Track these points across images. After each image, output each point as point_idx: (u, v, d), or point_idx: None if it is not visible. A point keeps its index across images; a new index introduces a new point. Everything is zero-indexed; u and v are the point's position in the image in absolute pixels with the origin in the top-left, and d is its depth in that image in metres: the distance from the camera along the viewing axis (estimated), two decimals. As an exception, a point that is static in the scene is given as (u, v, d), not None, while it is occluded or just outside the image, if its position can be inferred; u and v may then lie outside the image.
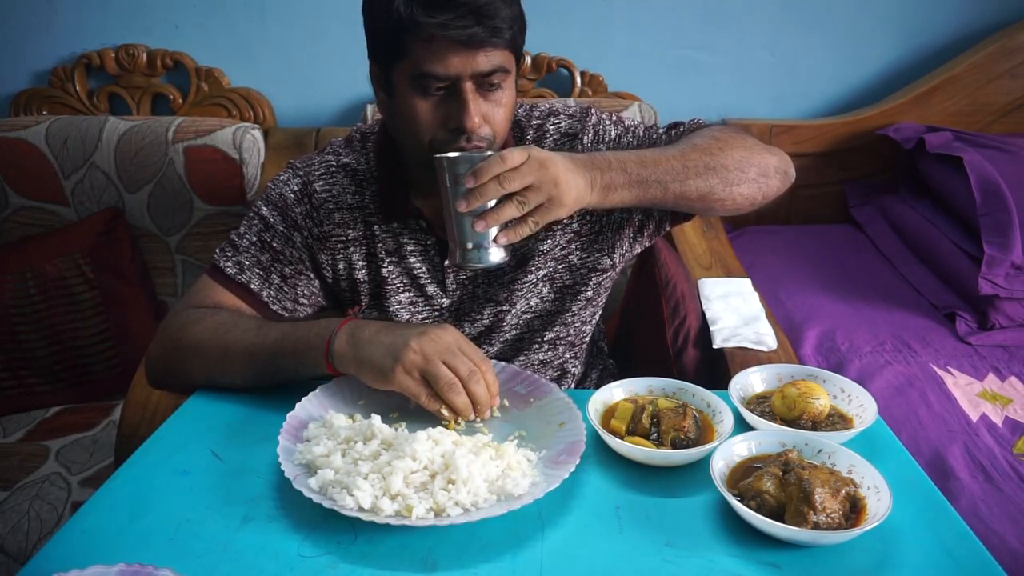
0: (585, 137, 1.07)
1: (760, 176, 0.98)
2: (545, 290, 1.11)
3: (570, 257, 1.10)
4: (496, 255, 0.89)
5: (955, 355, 1.59)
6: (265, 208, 1.07)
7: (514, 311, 1.12)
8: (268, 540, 0.72)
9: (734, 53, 2.06)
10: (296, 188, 1.07)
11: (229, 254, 1.06)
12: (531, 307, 1.12)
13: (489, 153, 0.86)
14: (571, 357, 1.19)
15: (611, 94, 2.04)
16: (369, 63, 1.01)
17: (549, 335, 1.14)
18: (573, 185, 0.85)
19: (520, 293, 1.10)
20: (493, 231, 0.87)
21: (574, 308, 1.13)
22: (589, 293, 1.13)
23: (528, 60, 2.02)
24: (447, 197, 0.88)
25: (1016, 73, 2.01)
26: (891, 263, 1.94)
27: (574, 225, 1.09)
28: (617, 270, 1.15)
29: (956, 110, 2.05)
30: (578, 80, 2.03)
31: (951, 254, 1.79)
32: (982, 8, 2.04)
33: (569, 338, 1.16)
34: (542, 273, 1.10)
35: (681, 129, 1.06)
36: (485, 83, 0.92)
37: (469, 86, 0.91)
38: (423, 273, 1.09)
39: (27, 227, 1.85)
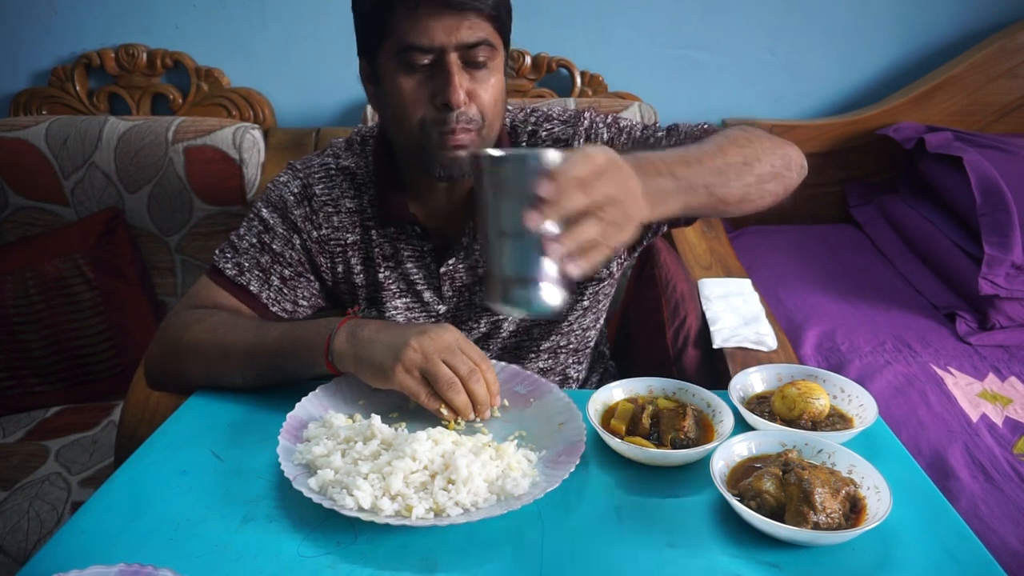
0: (576, 143, 1.05)
1: (785, 169, 0.93)
2: None
3: None
4: (557, 295, 0.70)
5: (955, 355, 1.58)
6: (265, 210, 1.07)
7: (510, 319, 1.11)
8: (268, 540, 0.71)
9: (734, 53, 2.06)
10: (296, 190, 1.07)
11: (229, 255, 1.06)
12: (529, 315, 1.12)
13: (553, 151, 0.68)
14: (574, 363, 1.18)
15: (611, 94, 2.04)
16: (359, 62, 1.01)
17: (546, 344, 1.14)
18: (641, 194, 0.72)
19: None
20: (551, 262, 0.68)
21: (571, 318, 1.13)
22: (586, 303, 1.12)
23: (528, 60, 2.02)
24: (491, 213, 0.69)
25: (1016, 73, 2.01)
26: (891, 263, 1.94)
27: None
28: (615, 279, 1.14)
29: (956, 110, 2.05)
30: (578, 80, 2.03)
31: (951, 254, 1.79)
32: (982, 8, 2.04)
33: (571, 345, 1.16)
34: None
35: (682, 133, 1.03)
36: (470, 59, 0.92)
37: (453, 58, 0.91)
38: (419, 279, 1.09)
39: (27, 227, 1.85)
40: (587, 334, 1.17)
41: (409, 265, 1.08)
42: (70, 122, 1.85)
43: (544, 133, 1.07)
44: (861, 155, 2.10)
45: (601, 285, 1.12)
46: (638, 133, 1.06)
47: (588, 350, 1.20)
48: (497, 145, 1.03)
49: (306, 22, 2.02)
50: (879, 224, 2.04)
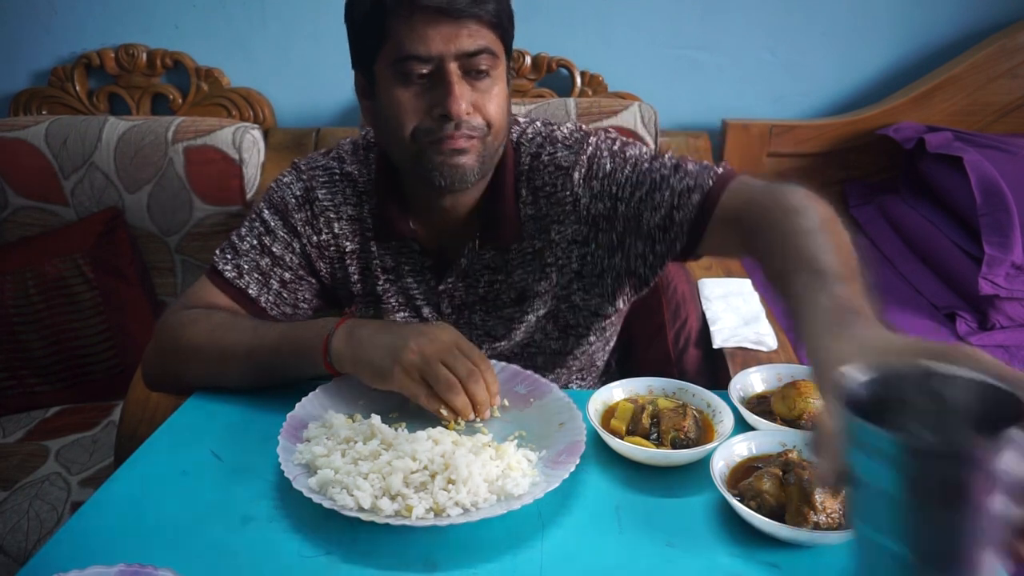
0: (576, 173, 0.98)
1: None
2: (549, 327, 1.07)
3: (572, 297, 1.04)
4: None
5: (955, 355, 1.58)
6: (267, 211, 1.05)
7: (511, 344, 1.08)
8: (268, 540, 0.71)
9: (734, 53, 2.06)
10: (298, 193, 1.04)
11: (229, 256, 1.04)
12: (535, 342, 1.08)
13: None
14: (577, 379, 1.15)
15: (611, 94, 2.04)
16: (354, 75, 0.98)
17: (551, 376, 1.10)
18: None
19: (519, 331, 1.06)
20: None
21: (576, 352, 1.09)
22: (592, 338, 1.09)
23: (528, 60, 2.02)
24: (911, 526, 0.42)
25: (1016, 73, 2.01)
26: (891, 263, 1.93)
27: (574, 265, 1.01)
28: (623, 312, 1.10)
29: (956, 110, 2.05)
30: (578, 80, 2.03)
31: (951, 254, 1.79)
32: (982, 8, 2.04)
33: (576, 366, 1.12)
34: (542, 312, 1.05)
35: (692, 175, 0.93)
36: (471, 68, 0.88)
37: (453, 67, 0.87)
38: (418, 294, 1.06)
39: (27, 227, 1.85)
40: (594, 356, 1.13)
41: (409, 280, 1.06)
42: (70, 122, 1.86)
43: (546, 157, 1.00)
44: (861, 155, 2.10)
45: (606, 321, 1.08)
46: (645, 166, 0.97)
47: (595, 368, 1.17)
48: (501, 163, 0.97)
49: (306, 22, 2.02)
50: (879, 224, 2.04)
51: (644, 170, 0.96)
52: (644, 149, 0.99)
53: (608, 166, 0.97)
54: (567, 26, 2.02)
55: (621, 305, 1.07)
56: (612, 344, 1.17)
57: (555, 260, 1.01)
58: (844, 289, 0.65)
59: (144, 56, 2.02)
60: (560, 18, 2.01)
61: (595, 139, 1.00)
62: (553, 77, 2.06)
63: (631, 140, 1.02)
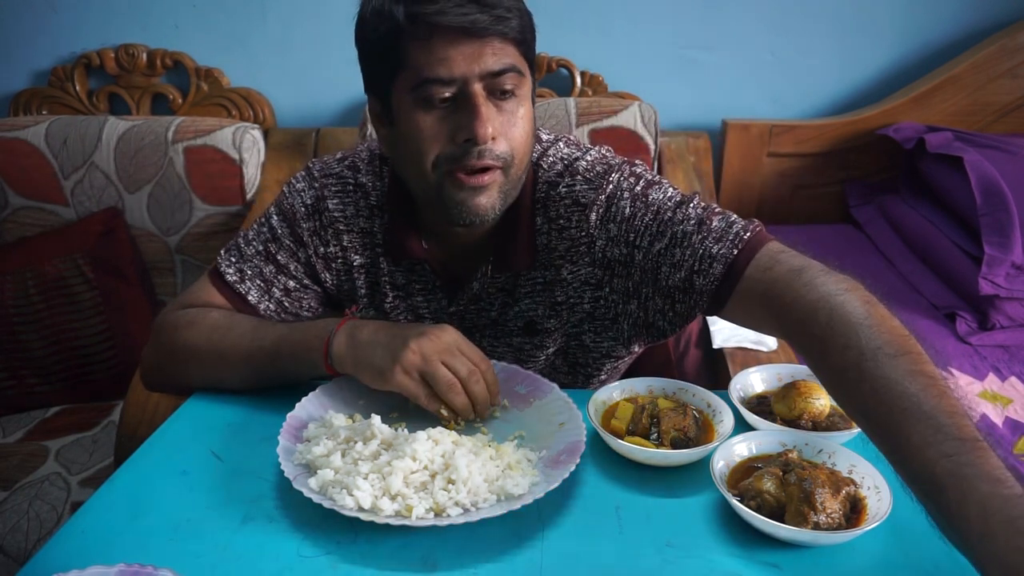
0: (593, 213, 0.92)
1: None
2: (559, 362, 1.05)
3: (583, 337, 1.01)
4: None
5: (955, 355, 1.58)
6: (276, 217, 1.02)
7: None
8: (268, 540, 0.71)
9: (734, 53, 2.06)
10: (309, 201, 1.00)
11: (233, 259, 1.02)
12: (543, 375, 1.03)
13: None
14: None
15: (611, 94, 2.04)
16: (368, 100, 0.93)
17: None
18: None
19: (528, 365, 1.03)
20: None
21: (587, 388, 1.07)
22: (603, 377, 1.06)
23: (528, 60, 2.02)
24: None
25: (1016, 73, 2.01)
26: (891, 263, 1.94)
27: (586, 306, 0.97)
28: (636, 354, 1.08)
29: (956, 110, 2.05)
30: (578, 80, 2.03)
31: (951, 254, 1.79)
32: (982, 8, 2.04)
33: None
34: (552, 350, 1.02)
35: (715, 232, 0.86)
36: (496, 88, 0.83)
37: (478, 88, 0.82)
38: (428, 314, 1.04)
39: (27, 227, 1.85)
40: (605, 383, 1.10)
41: (419, 299, 1.03)
42: (70, 122, 1.86)
43: (563, 189, 0.94)
44: (861, 155, 2.10)
45: (619, 362, 1.06)
46: (667, 215, 0.89)
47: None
48: (521, 172, 0.90)
49: (306, 22, 2.02)
50: (879, 224, 2.04)
51: (666, 220, 0.89)
52: (669, 192, 0.92)
53: (628, 210, 0.91)
54: (567, 26, 2.02)
55: (636, 349, 1.04)
56: (622, 371, 1.14)
57: (566, 299, 0.98)
58: (988, 460, 0.60)
59: (144, 56, 2.02)
60: (560, 18, 2.01)
61: (617, 175, 0.93)
62: (553, 77, 2.06)
63: (657, 179, 0.94)
